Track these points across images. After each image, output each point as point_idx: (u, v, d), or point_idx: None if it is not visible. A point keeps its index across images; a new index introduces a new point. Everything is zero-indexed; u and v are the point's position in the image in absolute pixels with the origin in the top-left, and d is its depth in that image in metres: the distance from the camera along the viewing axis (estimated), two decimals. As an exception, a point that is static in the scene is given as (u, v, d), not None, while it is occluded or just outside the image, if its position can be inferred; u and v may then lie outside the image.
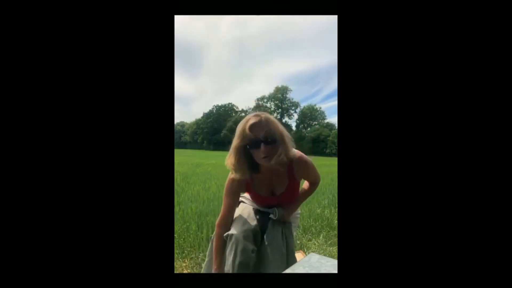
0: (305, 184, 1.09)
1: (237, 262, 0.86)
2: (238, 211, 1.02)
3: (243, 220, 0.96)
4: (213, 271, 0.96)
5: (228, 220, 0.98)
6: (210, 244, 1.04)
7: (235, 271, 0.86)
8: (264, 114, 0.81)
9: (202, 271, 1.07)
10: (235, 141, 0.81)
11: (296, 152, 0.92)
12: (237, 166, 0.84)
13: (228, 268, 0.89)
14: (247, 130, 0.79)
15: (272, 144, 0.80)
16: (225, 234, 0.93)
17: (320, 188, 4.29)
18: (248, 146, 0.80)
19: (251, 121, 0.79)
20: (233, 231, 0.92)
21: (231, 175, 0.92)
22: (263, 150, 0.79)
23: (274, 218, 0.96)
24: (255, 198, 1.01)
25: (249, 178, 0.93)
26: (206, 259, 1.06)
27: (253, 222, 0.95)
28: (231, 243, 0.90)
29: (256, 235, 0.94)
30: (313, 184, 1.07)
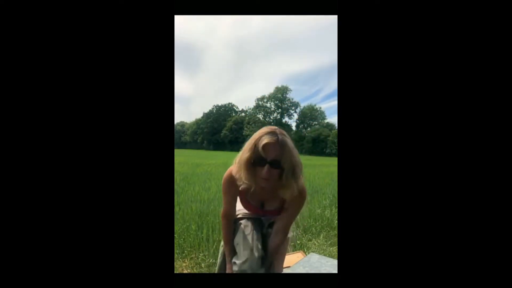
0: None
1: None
2: (239, 232, 1.01)
3: (248, 246, 0.95)
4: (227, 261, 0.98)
5: (231, 212, 1.01)
6: (222, 247, 1.06)
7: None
8: (281, 136, 0.79)
9: (217, 269, 1.07)
10: (246, 154, 0.80)
11: (302, 184, 0.88)
12: (249, 178, 0.82)
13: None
14: (259, 148, 0.77)
15: (276, 168, 0.79)
16: (233, 261, 0.93)
17: (321, 188, 4.29)
18: (252, 161, 0.79)
19: (266, 140, 0.77)
20: (240, 258, 0.91)
21: (227, 175, 0.91)
22: (266, 172, 0.78)
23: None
24: (245, 204, 1.03)
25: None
26: (219, 260, 1.07)
27: (259, 246, 0.95)
28: (239, 268, 0.90)
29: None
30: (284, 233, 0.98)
